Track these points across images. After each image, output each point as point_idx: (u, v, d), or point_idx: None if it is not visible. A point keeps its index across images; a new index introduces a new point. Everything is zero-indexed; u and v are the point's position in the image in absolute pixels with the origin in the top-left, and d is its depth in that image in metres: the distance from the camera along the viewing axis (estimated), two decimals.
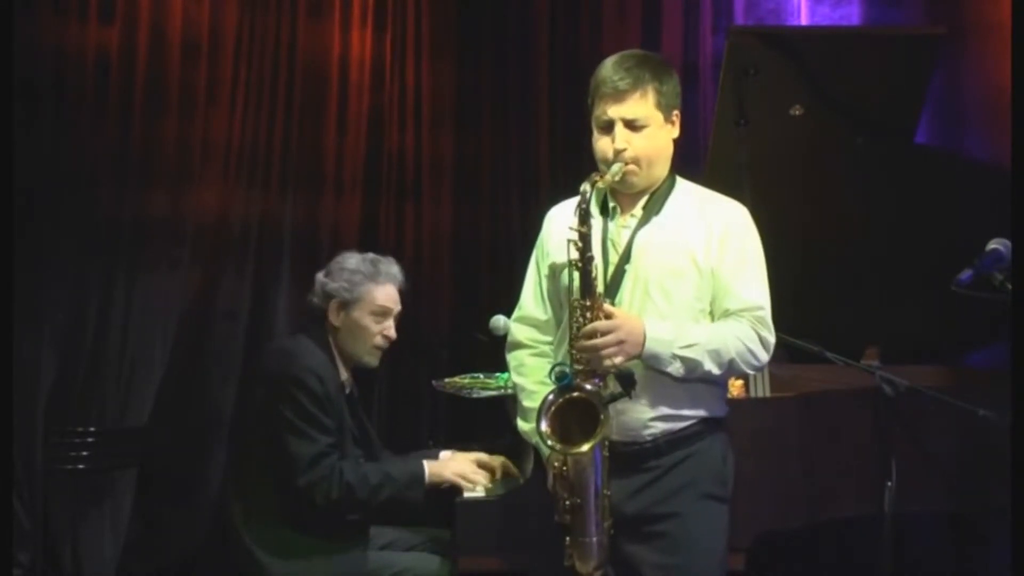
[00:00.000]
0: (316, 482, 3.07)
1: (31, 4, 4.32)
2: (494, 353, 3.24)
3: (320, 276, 3.35)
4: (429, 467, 3.21)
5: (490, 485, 3.21)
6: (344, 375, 3.32)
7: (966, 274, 2.39)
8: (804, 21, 5.10)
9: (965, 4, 4.60)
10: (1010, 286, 2.41)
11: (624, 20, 5.09)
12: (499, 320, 3.62)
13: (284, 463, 3.10)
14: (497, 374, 3.75)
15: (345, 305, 3.29)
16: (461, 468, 3.23)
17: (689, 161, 4.39)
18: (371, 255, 3.40)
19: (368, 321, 3.30)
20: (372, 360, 3.36)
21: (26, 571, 4.16)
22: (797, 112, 3.80)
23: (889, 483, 2.92)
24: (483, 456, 3.34)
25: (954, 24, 4.28)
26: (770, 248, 2.67)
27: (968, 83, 4.55)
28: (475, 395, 3.75)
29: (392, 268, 3.38)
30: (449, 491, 3.19)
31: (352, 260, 3.35)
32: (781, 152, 3.76)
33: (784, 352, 3.45)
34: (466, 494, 3.16)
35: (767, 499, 3.13)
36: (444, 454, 3.41)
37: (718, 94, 3.80)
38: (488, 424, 3.93)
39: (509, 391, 2.94)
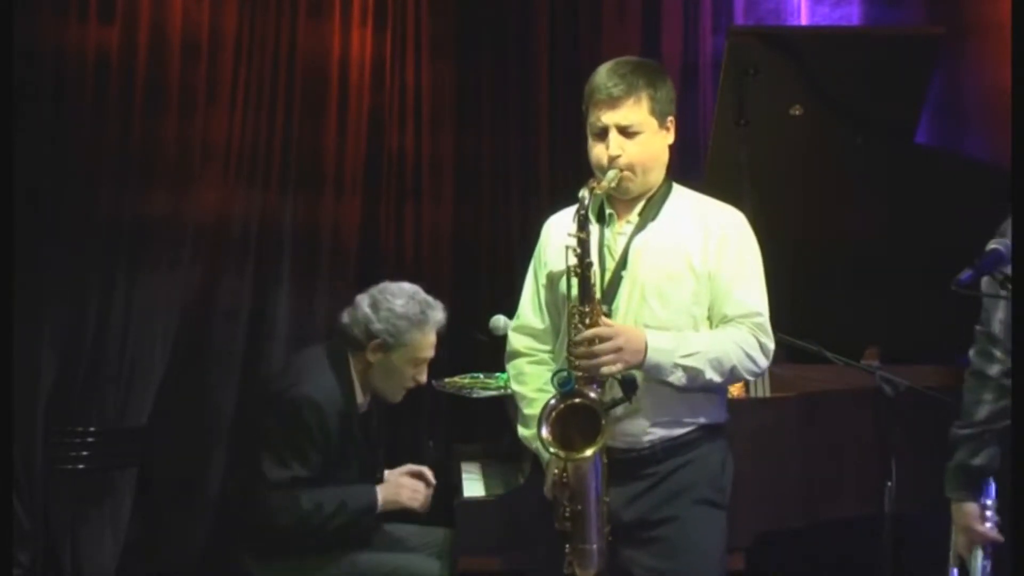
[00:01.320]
0: (273, 507, 3.07)
1: (31, 4, 4.31)
2: (494, 353, 3.24)
3: (366, 307, 3.24)
4: (383, 494, 3.20)
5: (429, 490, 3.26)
6: (361, 399, 3.28)
7: (966, 274, 2.38)
8: (804, 21, 5.10)
9: (965, 4, 4.60)
10: (1010, 286, 2.41)
11: (624, 20, 5.08)
12: (499, 320, 3.63)
13: (255, 476, 3.11)
14: (497, 374, 3.76)
15: (385, 347, 3.22)
16: (410, 491, 3.23)
17: (689, 161, 4.43)
18: (421, 295, 3.31)
19: (405, 366, 3.25)
20: (397, 398, 3.33)
21: (26, 571, 4.16)
22: (797, 112, 3.80)
23: (889, 483, 2.92)
24: (412, 467, 3.34)
25: (954, 24, 4.28)
26: (770, 248, 2.66)
27: (968, 83, 4.55)
28: (475, 395, 3.76)
29: (439, 315, 3.30)
30: (449, 491, 3.19)
31: (400, 302, 3.24)
32: (781, 152, 3.76)
33: (784, 352, 3.45)
34: (466, 494, 3.16)
35: (767, 499, 3.14)
36: (387, 474, 3.38)
37: (718, 94, 3.80)
38: (488, 424, 3.93)
39: (509, 391, 2.94)
